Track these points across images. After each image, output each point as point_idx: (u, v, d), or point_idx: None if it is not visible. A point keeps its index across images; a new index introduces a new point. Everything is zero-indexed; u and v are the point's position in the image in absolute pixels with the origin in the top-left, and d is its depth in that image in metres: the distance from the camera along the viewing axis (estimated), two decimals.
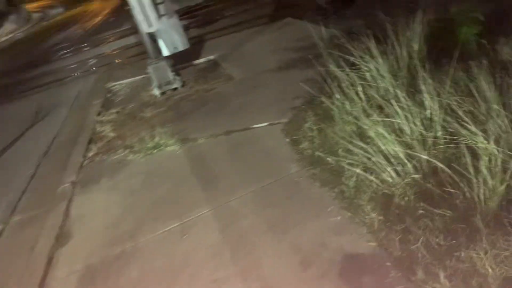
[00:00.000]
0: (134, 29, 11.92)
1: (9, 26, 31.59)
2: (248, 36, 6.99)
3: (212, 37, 7.88)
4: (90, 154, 4.44)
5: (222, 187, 3.05)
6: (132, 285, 2.40)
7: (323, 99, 3.00)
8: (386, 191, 2.19)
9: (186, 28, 5.68)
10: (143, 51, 8.64)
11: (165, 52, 5.59)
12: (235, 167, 3.25)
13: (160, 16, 5.25)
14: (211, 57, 6.44)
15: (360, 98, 2.78)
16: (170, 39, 5.66)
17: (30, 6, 43.62)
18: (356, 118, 2.54)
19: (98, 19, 20.35)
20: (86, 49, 13.37)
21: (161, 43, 5.58)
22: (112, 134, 4.80)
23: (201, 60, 6.44)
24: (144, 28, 5.15)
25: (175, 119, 4.61)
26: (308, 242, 2.23)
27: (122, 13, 17.28)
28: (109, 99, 6.25)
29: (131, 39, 11.35)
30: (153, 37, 5.50)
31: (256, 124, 3.78)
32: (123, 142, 4.43)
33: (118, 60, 9.56)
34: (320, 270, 2.04)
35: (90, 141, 4.79)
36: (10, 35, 27.84)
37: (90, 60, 10.83)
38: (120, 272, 2.53)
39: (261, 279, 2.10)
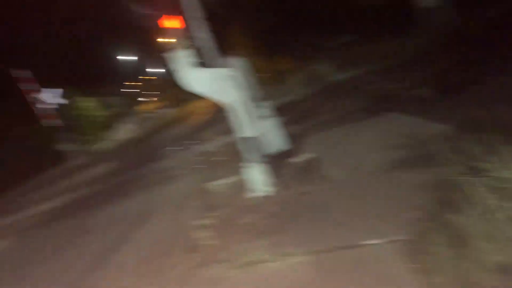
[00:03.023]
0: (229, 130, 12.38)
1: (129, 124, 35.86)
2: (347, 131, 6.70)
3: (310, 134, 7.73)
4: (193, 263, 4.22)
5: None
6: None
7: (450, 216, 2.45)
8: None
9: (282, 127, 5.56)
10: (233, 154, 8.84)
11: (263, 153, 5.48)
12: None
13: (259, 118, 5.23)
14: (309, 155, 6.19)
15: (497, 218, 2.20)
16: (268, 141, 5.58)
17: (143, 108, 49.12)
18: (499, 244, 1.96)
19: (207, 116, 21.82)
20: (190, 146, 14.15)
21: (259, 145, 5.51)
22: (212, 242, 4.58)
23: (299, 159, 6.21)
24: (242, 132, 5.13)
25: (272, 228, 4.28)
26: None
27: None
28: (208, 202, 6.20)
29: (232, 137, 11.75)
30: (251, 139, 5.46)
31: (367, 240, 3.27)
32: (223, 252, 4.17)
33: (217, 158, 9.80)
34: None
35: (191, 250, 4.62)
36: (130, 133, 31.19)
37: (193, 157, 11.33)
38: None
39: None
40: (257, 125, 5.26)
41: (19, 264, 7.62)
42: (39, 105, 21.30)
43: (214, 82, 5.03)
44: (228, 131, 12.77)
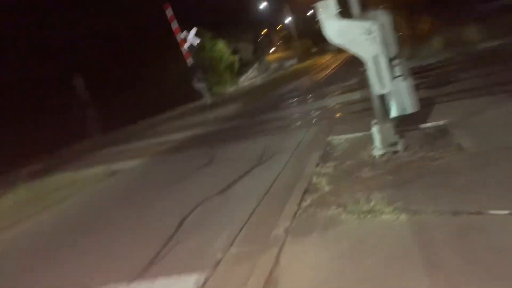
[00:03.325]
0: (361, 85, 12.29)
1: (252, 73, 37.14)
2: (484, 104, 6.23)
3: (443, 101, 7.36)
4: (304, 204, 4.60)
5: (442, 279, 2.65)
6: None
7: None
8: None
9: (415, 89, 5.41)
10: (366, 108, 8.80)
11: (393, 113, 5.46)
12: (462, 259, 2.80)
13: (394, 77, 5.18)
14: (440, 122, 5.96)
15: None
16: (400, 101, 5.51)
17: (270, 58, 50.19)
18: None
19: (326, 72, 21.78)
20: (311, 100, 14.42)
21: (390, 104, 5.48)
22: (327, 188, 4.88)
23: (429, 124, 6.03)
24: (377, 89, 5.15)
25: (394, 185, 4.36)
26: None
27: (352, 66, 18.16)
28: (328, 152, 6.45)
29: (355, 95, 11.71)
30: (382, 97, 5.46)
31: (494, 210, 3.22)
32: (337, 198, 4.44)
33: (338, 114, 9.91)
34: None
35: (306, 191, 4.97)
36: (252, 80, 32.46)
37: (313, 111, 11.57)
38: None
39: None
40: (392, 83, 5.21)
41: (154, 180, 8.90)
42: (186, 44, 22.92)
43: (354, 34, 5.06)
44: (353, 88, 12.76)
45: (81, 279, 4.52)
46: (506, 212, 3.12)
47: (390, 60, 5.27)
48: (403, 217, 3.58)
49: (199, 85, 24.67)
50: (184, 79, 26.30)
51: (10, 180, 13.00)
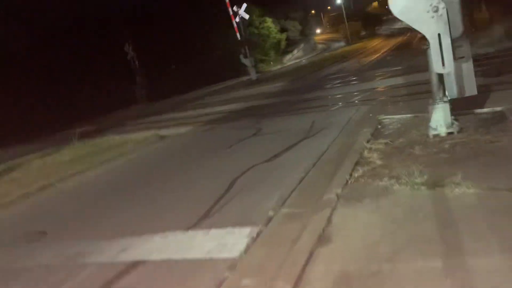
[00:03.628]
0: (411, 69, 12.13)
1: (298, 52, 36.89)
2: None
3: (500, 89, 7.21)
4: (356, 174, 4.73)
5: (495, 244, 2.75)
6: None
7: None
8: None
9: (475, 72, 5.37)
10: (417, 91, 8.73)
11: (451, 94, 5.45)
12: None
13: (455, 58, 5.15)
14: (497, 108, 5.88)
15: None
16: (459, 83, 5.48)
17: (317, 38, 49.44)
18: None
19: (375, 56, 21.38)
20: (359, 82, 14.32)
21: (449, 85, 5.47)
22: (379, 162, 4.99)
23: (485, 110, 5.96)
24: (437, 68, 5.13)
25: (448, 162, 4.42)
26: None
27: (401, 53, 17.79)
28: (379, 130, 6.51)
29: (405, 79, 11.57)
30: (441, 78, 5.45)
31: None
32: (389, 171, 4.54)
33: (388, 96, 9.85)
34: None
35: (357, 163, 5.10)
36: (298, 60, 32.29)
37: (362, 92, 11.53)
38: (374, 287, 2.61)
39: None
40: (453, 64, 5.18)
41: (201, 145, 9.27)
42: (236, 18, 23.03)
43: (420, 11, 5.04)
44: (403, 73, 12.57)
45: (137, 226, 4.87)
46: None
47: (454, 40, 5.22)
48: (457, 190, 3.66)
49: (246, 61, 24.84)
50: (232, 54, 26.55)
51: (65, 138, 13.78)
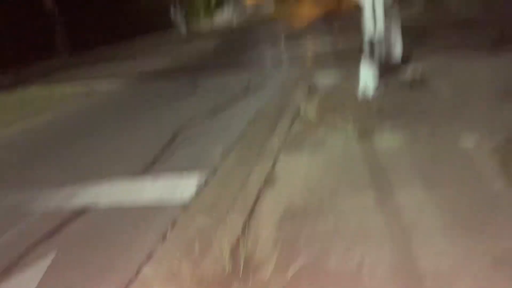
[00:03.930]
0: (337, 35, 12.69)
1: (227, 15, 36.41)
2: (462, 60, 6.89)
3: (423, 54, 7.92)
4: (294, 128, 5.12)
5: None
6: (326, 235, 2.80)
7: None
8: None
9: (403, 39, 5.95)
10: (342, 56, 9.30)
11: (379, 57, 5.98)
12: (431, 168, 3.44)
13: (387, 24, 5.64)
14: (419, 72, 6.55)
15: None
16: (388, 47, 6.03)
17: (247, 1, 48.85)
18: None
19: (306, 20, 21.81)
20: (290, 45, 14.71)
21: (378, 49, 5.98)
22: (314, 117, 5.40)
23: (408, 73, 6.61)
24: (369, 34, 5.59)
25: (375, 117, 4.95)
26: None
27: (332, 18, 18.40)
28: (314, 88, 6.94)
29: (330, 44, 12.18)
30: (371, 43, 5.93)
31: (461, 140, 3.87)
32: (325, 124, 4.98)
33: (320, 59, 10.35)
34: None
35: (294, 118, 5.48)
36: (226, 23, 31.89)
37: (294, 55, 11.95)
38: (317, 220, 3.00)
39: None
40: (384, 31, 5.68)
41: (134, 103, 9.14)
42: None
43: None
44: (332, 38, 13.14)
45: (82, 174, 4.83)
46: (472, 141, 3.78)
47: (385, 9, 5.70)
48: (385, 137, 4.19)
49: (177, 14, 24.09)
50: (162, 5, 25.51)
51: None
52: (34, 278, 2.91)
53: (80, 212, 3.86)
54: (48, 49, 23.17)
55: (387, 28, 5.92)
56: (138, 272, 2.70)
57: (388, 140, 4.14)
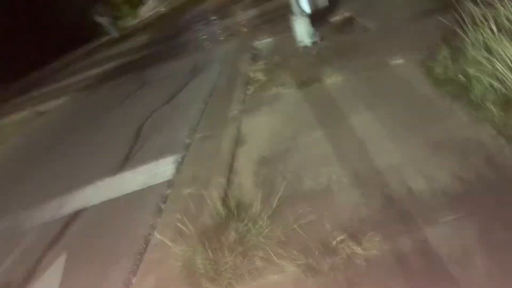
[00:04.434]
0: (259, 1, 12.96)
1: (153, 2, 35.65)
2: None
3: None
4: (249, 92, 5.51)
5: (358, 109, 3.77)
6: (296, 168, 3.25)
7: (458, 30, 3.48)
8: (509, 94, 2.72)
9: None
10: (275, 16, 9.64)
11: (307, 10, 6.38)
12: (371, 92, 3.94)
13: None
14: (347, 14, 7.04)
15: (492, 30, 3.22)
16: None
17: None
18: (486, 43, 3.05)
19: None
20: (222, 19, 14.87)
21: (304, 2, 6.38)
22: (264, 78, 5.79)
23: (337, 17, 7.09)
24: None
25: (318, 64, 5.40)
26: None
27: None
28: (256, 54, 7.30)
29: (257, 10, 12.49)
30: None
31: (393, 60, 4.39)
32: (275, 82, 5.39)
33: (253, 25, 10.66)
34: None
35: (246, 84, 5.86)
36: (154, 10, 31.30)
37: (228, 27, 12.19)
38: (287, 159, 3.45)
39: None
40: None
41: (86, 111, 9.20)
42: None
43: None
44: (257, 4, 13.40)
45: (62, 186, 5.03)
46: (402, 61, 4.30)
47: None
48: (329, 81, 4.66)
49: (102, 19, 23.51)
50: (83, 15, 24.76)
51: None
52: (54, 278, 3.22)
53: (76, 215, 4.15)
54: None
55: None
56: (146, 242, 3.08)
57: (332, 82, 4.60)
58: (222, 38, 11.11)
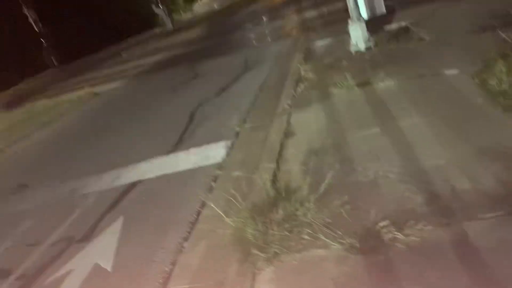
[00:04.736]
0: (318, 3, 13.10)
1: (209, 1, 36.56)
2: (442, 6, 7.42)
3: (406, 7, 8.40)
4: (299, 89, 5.71)
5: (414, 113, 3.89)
6: (344, 161, 3.43)
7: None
8: None
9: None
10: (327, 21, 9.78)
11: (365, 15, 6.52)
12: (423, 98, 4.05)
13: None
14: (403, 23, 7.10)
15: None
16: (370, 5, 6.57)
17: None
18: None
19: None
20: (276, 19, 15.12)
21: (362, 8, 6.52)
22: (315, 77, 5.98)
23: (393, 26, 7.15)
24: None
25: (371, 68, 5.52)
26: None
27: None
28: (309, 55, 7.49)
29: (314, 12, 12.64)
30: (356, 1, 6.46)
31: (447, 71, 4.46)
32: (326, 82, 5.56)
33: (308, 27, 10.84)
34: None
35: (297, 81, 6.06)
36: (208, 7, 32.06)
37: (282, 27, 12.43)
38: (335, 152, 3.62)
39: None
40: None
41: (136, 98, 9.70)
42: None
43: None
44: (313, 6, 13.56)
45: (118, 161, 5.43)
46: (456, 71, 4.37)
47: None
48: (381, 84, 4.78)
49: (159, 10, 24.37)
50: (142, 4, 25.78)
51: None
52: (113, 235, 3.57)
53: (132, 186, 4.52)
54: (38, 64, 23.65)
55: None
56: (198, 213, 3.36)
57: (384, 86, 4.72)
58: (275, 37, 11.36)
